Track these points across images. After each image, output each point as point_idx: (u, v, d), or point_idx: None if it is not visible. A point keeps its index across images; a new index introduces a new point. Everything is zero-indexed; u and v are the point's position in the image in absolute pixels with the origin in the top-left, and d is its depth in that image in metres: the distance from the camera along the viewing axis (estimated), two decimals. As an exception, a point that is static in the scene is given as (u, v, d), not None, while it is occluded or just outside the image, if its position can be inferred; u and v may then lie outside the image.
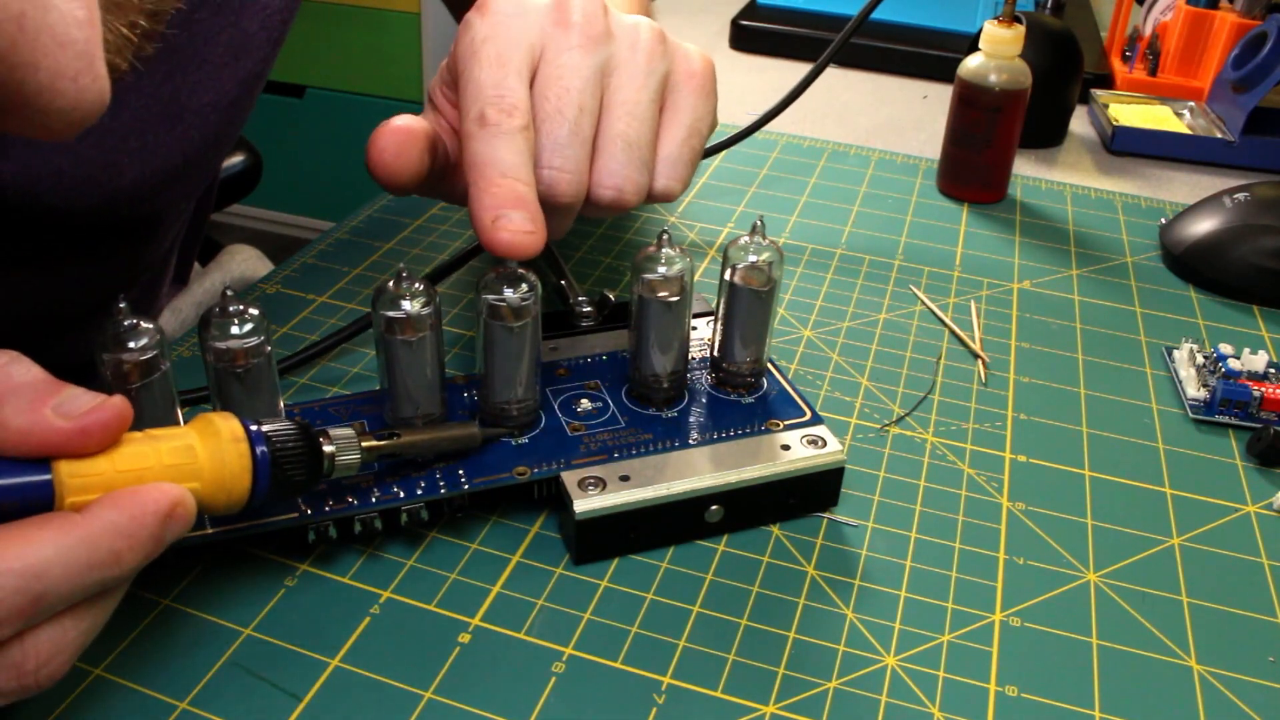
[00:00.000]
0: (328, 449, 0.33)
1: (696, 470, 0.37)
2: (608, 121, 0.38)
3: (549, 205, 0.37)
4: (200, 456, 0.29)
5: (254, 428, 0.31)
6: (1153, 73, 0.83)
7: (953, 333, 0.51)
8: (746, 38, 0.90)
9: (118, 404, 0.28)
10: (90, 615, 0.27)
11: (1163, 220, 0.61)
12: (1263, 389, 0.46)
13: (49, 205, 0.41)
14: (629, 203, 0.39)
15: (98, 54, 0.26)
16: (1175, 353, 0.50)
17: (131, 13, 0.29)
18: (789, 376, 0.44)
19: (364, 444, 0.34)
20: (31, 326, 0.47)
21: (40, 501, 0.27)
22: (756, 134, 0.69)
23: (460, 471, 0.37)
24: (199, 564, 0.36)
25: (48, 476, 0.27)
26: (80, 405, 0.27)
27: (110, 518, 0.27)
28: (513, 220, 0.35)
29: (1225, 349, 0.49)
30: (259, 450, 0.31)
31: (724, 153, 0.69)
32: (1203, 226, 0.57)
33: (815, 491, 0.39)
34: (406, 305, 0.35)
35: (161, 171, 0.43)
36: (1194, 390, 0.47)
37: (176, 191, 0.48)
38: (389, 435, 0.36)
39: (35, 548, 0.25)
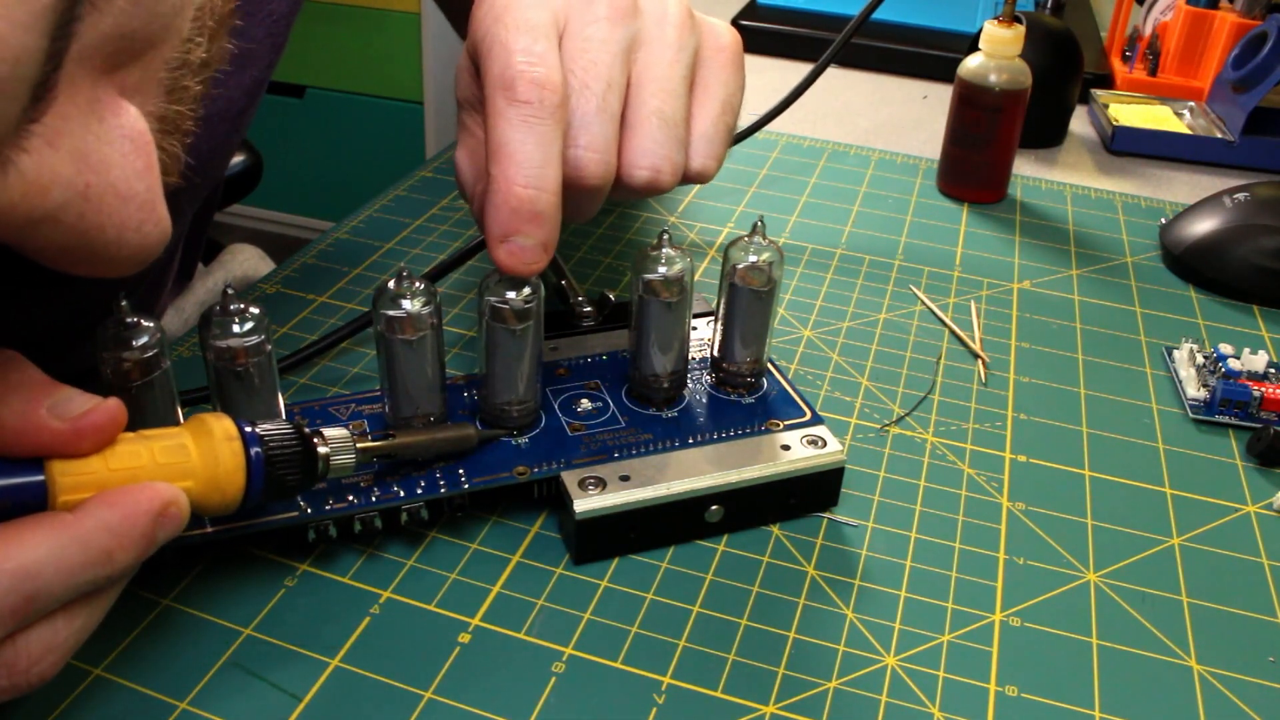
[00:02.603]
0: (322, 450, 0.33)
1: (696, 470, 0.37)
2: (640, 99, 0.36)
3: (575, 188, 0.35)
4: (193, 456, 0.29)
5: (248, 429, 0.31)
6: (1153, 73, 0.83)
7: (953, 333, 0.51)
8: (746, 38, 0.90)
9: (113, 406, 0.28)
10: (83, 614, 0.27)
11: (1163, 220, 0.61)
12: (1263, 389, 0.46)
13: None
14: (665, 184, 0.36)
15: (158, 196, 0.26)
16: (1175, 353, 0.50)
17: (185, 124, 0.29)
18: (789, 376, 0.44)
19: (359, 445, 0.34)
20: (36, 342, 0.47)
21: (33, 501, 0.27)
22: (756, 134, 0.69)
23: (460, 471, 0.37)
24: (199, 564, 0.36)
25: (40, 477, 0.27)
26: (76, 407, 0.27)
27: (102, 516, 0.27)
28: (522, 245, 0.34)
29: (1225, 349, 0.49)
30: (253, 451, 0.30)
31: (724, 153, 0.69)
32: (1203, 226, 0.57)
33: (815, 491, 0.39)
34: (407, 304, 0.35)
35: (168, 186, 0.43)
36: (1194, 390, 0.47)
37: (182, 202, 0.47)
38: (384, 436, 0.35)
39: (28, 548, 0.25)
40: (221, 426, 0.30)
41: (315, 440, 0.33)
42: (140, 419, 0.33)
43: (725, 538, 0.38)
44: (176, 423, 0.35)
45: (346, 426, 0.37)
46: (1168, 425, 0.46)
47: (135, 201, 0.25)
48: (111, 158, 0.25)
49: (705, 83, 0.39)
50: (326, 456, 0.33)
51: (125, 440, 0.29)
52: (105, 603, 0.28)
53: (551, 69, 0.34)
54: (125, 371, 0.32)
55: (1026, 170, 0.70)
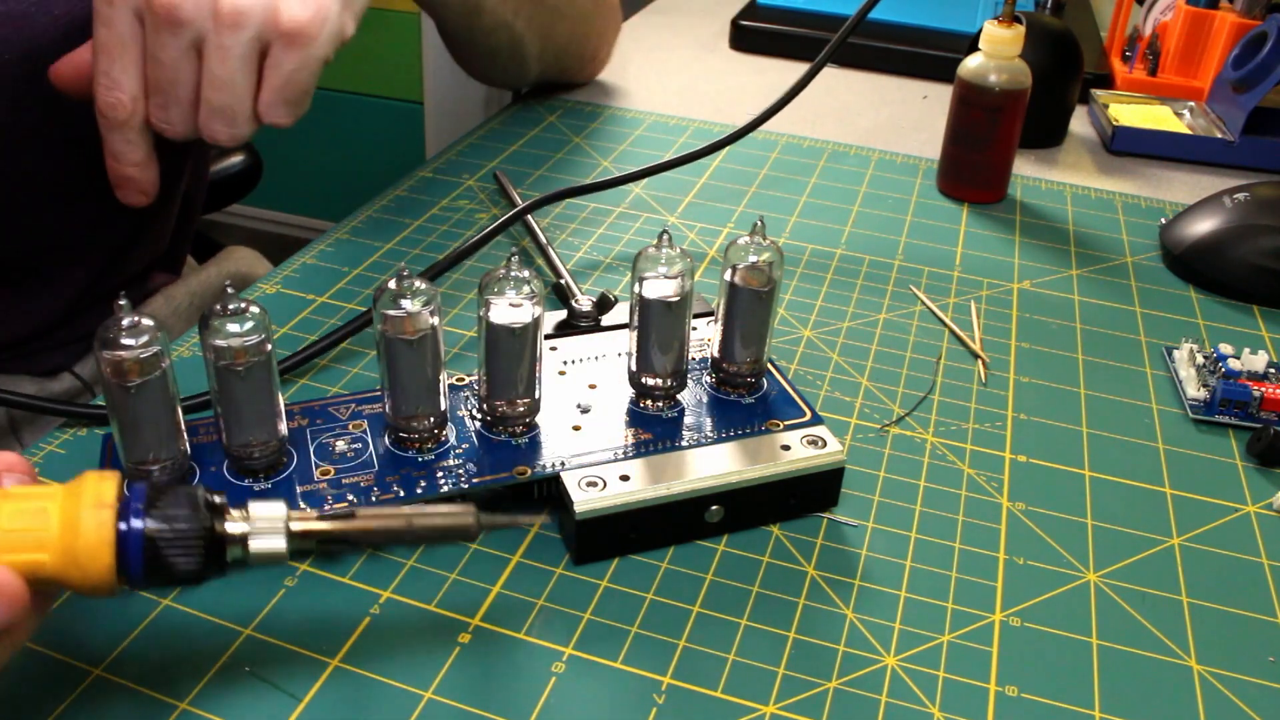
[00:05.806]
0: (234, 530, 0.26)
1: (696, 470, 0.37)
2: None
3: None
4: (53, 523, 0.24)
5: (139, 500, 0.26)
6: (1153, 73, 0.83)
7: (953, 333, 0.51)
8: (746, 38, 0.90)
9: None
10: None
11: (1163, 220, 0.61)
12: (1263, 389, 0.46)
13: None
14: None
15: None
16: (1175, 353, 0.50)
17: None
18: (789, 376, 0.44)
19: (300, 528, 0.27)
20: (26, 338, 0.47)
21: None
22: (757, 134, 0.69)
23: (461, 471, 0.37)
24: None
25: None
26: None
27: None
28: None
29: (1225, 349, 0.49)
30: (131, 523, 0.25)
31: (724, 152, 0.69)
32: (1203, 226, 0.57)
33: (815, 491, 0.39)
34: (407, 304, 0.35)
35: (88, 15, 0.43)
36: (1194, 390, 0.47)
37: (170, 177, 0.47)
38: (345, 514, 0.28)
39: None
40: (97, 490, 0.25)
41: (234, 514, 0.27)
42: (140, 419, 0.33)
43: (725, 538, 0.38)
44: (177, 424, 0.35)
45: (283, 501, 0.29)
46: (1168, 425, 0.46)
47: None
48: None
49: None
50: (242, 539, 0.26)
51: None
52: None
53: (125, 96, 0.41)
54: (125, 370, 0.32)
55: (1026, 170, 0.70)
